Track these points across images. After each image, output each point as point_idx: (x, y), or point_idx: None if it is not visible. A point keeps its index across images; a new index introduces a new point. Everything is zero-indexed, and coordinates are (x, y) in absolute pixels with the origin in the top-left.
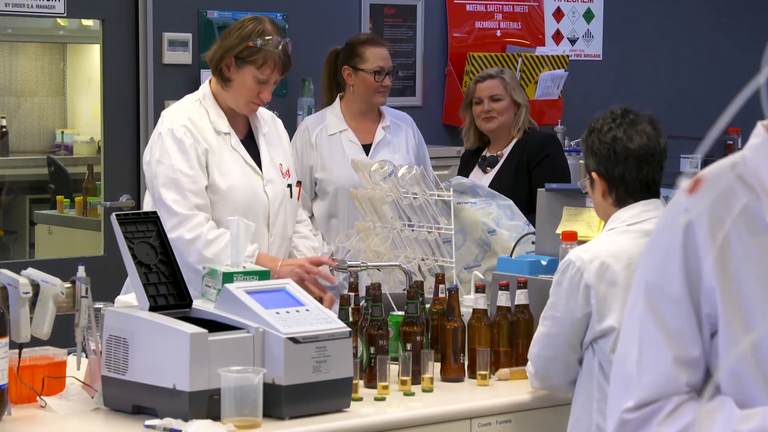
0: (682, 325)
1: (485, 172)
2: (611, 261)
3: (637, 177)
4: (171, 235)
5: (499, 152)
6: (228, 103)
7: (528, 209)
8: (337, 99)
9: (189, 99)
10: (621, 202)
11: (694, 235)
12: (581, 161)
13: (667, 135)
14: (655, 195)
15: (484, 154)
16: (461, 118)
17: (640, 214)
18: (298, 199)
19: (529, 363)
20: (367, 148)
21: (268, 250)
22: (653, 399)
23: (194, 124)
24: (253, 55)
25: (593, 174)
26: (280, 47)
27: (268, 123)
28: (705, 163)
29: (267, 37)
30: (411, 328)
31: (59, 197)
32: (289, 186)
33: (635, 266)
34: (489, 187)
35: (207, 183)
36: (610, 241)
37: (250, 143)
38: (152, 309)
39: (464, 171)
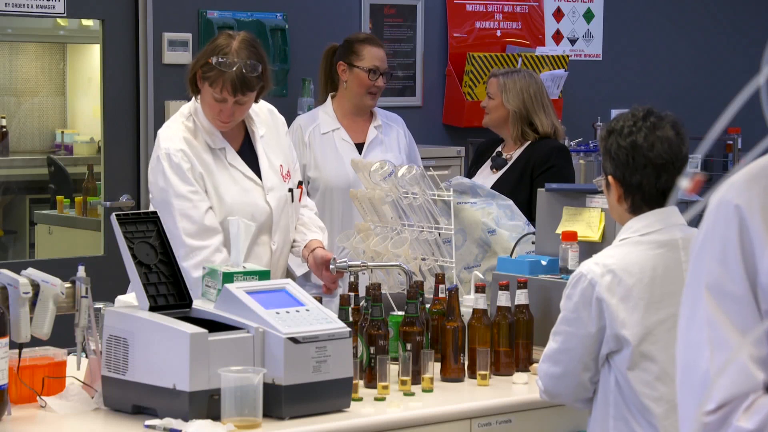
0: (748, 323)
1: (493, 171)
2: (623, 275)
3: (654, 185)
4: (181, 264)
5: (508, 154)
6: None
7: (526, 216)
8: (329, 98)
9: (181, 115)
10: (636, 210)
11: (748, 230)
12: (581, 161)
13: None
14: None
15: (499, 149)
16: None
17: (654, 224)
18: (300, 201)
19: (537, 379)
20: (359, 147)
21: (270, 257)
22: (732, 399)
23: (191, 146)
24: (208, 71)
25: (609, 178)
26: (235, 68)
27: (265, 122)
28: (705, 163)
29: (225, 57)
30: (411, 328)
31: (59, 197)
32: (290, 190)
33: (647, 279)
34: (493, 187)
35: (210, 205)
36: (622, 254)
37: (248, 150)
38: (152, 309)
39: (477, 162)
